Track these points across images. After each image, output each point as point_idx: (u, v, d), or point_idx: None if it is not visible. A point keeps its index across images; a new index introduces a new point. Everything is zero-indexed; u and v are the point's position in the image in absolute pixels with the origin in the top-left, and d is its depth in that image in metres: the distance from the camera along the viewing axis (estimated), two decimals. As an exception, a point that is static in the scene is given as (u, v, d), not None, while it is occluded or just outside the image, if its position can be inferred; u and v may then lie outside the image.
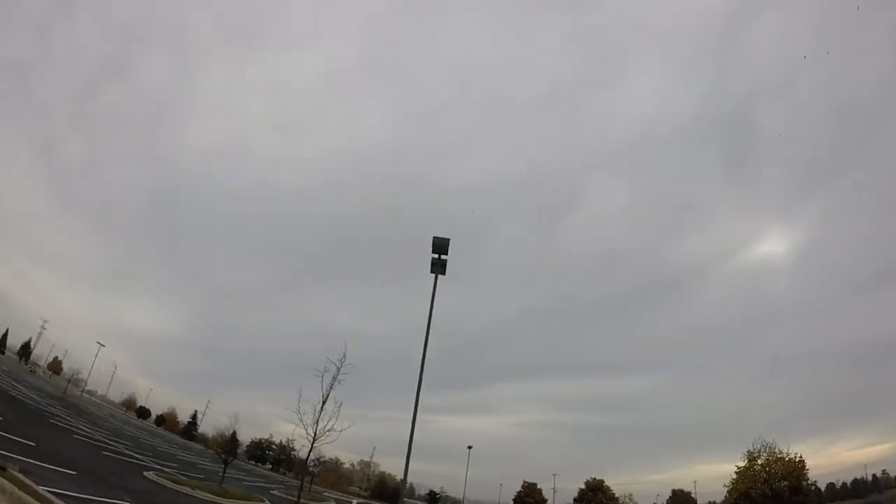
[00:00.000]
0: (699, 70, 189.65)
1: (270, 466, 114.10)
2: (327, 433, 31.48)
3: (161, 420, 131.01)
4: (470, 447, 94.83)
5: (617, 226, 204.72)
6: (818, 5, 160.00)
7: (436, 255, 26.75)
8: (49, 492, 15.32)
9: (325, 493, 77.15)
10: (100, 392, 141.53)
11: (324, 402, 31.43)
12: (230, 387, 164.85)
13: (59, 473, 21.69)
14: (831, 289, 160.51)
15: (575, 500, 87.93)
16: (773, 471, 59.58)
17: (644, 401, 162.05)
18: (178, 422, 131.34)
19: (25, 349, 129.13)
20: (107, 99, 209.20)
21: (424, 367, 26.04)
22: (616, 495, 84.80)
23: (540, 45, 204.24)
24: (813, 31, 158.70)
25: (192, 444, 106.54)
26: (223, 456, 45.04)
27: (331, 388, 31.71)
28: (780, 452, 60.86)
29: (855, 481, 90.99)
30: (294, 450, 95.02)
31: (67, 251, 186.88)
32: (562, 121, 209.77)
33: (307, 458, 35.05)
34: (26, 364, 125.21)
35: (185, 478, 37.66)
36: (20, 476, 14.00)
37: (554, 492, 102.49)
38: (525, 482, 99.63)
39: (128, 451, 43.96)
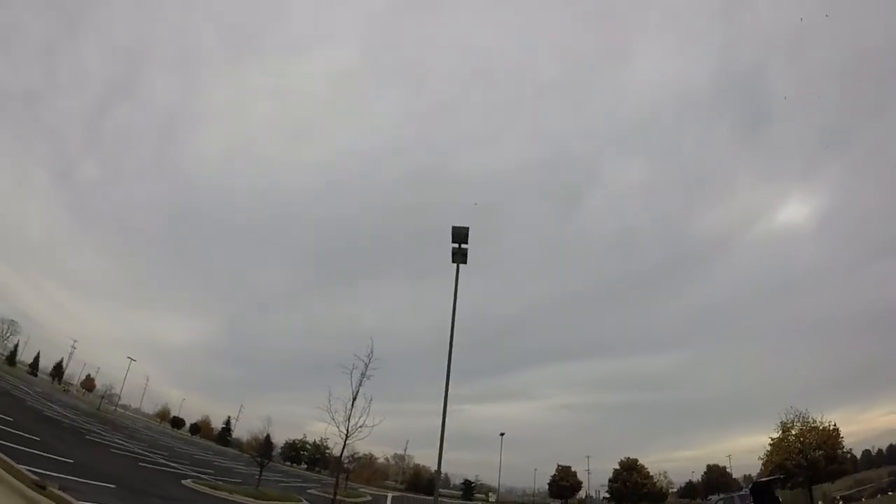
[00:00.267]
0: (707, 38, 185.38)
1: (306, 466, 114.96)
2: (359, 429, 31.65)
3: (195, 428, 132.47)
4: (502, 434, 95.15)
5: (636, 203, 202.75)
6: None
7: (456, 245, 26.85)
8: (89, 506, 15.60)
9: (361, 489, 77.66)
10: (133, 406, 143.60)
11: (354, 399, 31.60)
12: (261, 391, 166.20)
13: (98, 488, 22.09)
14: (857, 251, 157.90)
15: (610, 480, 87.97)
16: (807, 441, 58.73)
17: (674, 377, 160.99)
18: (212, 429, 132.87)
19: (58, 369, 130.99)
20: (117, 118, 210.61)
21: (452, 357, 26.19)
22: (650, 474, 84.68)
23: (546, 27, 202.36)
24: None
25: (227, 449, 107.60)
26: (258, 459, 45.51)
27: (360, 384, 31.87)
28: (814, 421, 60.05)
29: (890, 447, 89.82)
30: (328, 448, 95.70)
31: (91, 270, 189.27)
32: (573, 102, 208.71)
33: (341, 456, 35.31)
34: (59, 384, 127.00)
35: (222, 483, 38.14)
36: (60, 493, 14.29)
37: (588, 473, 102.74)
38: (559, 465, 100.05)
39: (164, 461, 44.58)
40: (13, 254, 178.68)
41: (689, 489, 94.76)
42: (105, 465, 30.96)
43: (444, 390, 25.65)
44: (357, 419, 31.39)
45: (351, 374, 31.81)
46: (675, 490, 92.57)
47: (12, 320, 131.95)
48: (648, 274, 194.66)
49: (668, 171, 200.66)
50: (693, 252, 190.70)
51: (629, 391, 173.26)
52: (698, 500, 79.73)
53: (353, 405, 31.48)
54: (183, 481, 34.68)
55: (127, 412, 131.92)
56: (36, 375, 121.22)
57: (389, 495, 66.72)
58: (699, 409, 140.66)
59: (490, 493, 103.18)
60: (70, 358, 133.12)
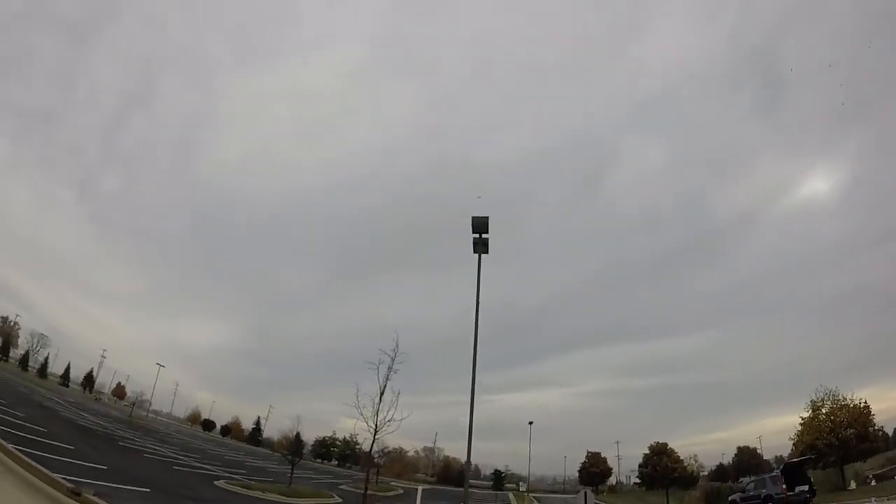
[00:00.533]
0: (720, 8, 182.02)
1: (336, 462, 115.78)
2: (388, 424, 31.81)
3: (226, 430, 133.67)
4: (531, 423, 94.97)
5: (657, 182, 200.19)
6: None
7: (476, 235, 26.90)
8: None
9: (393, 483, 78.12)
10: (164, 411, 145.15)
11: (381, 394, 31.71)
12: (290, 390, 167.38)
13: (133, 492, 22.47)
14: (883, 224, 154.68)
15: (640, 465, 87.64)
16: (837, 419, 57.87)
17: (701, 358, 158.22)
18: (242, 430, 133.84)
19: (88, 379, 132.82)
20: (134, 130, 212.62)
21: (478, 348, 26.29)
22: (681, 458, 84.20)
23: (556, 6, 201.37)
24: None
25: (259, 449, 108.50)
26: (289, 457, 45.93)
27: (387, 379, 31.98)
28: (844, 399, 59.20)
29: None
30: (358, 444, 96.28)
31: (117, 281, 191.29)
32: (588, 83, 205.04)
33: (370, 451, 35.64)
34: (90, 393, 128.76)
35: (254, 482, 38.56)
36: (95, 499, 14.53)
37: (618, 459, 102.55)
38: (589, 452, 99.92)
39: (197, 464, 45.12)
40: (41, 269, 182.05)
41: (720, 472, 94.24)
42: (138, 469, 31.41)
43: (470, 381, 25.78)
44: (385, 414, 31.57)
45: (377, 369, 31.98)
46: (705, 473, 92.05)
47: (42, 334, 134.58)
48: (672, 254, 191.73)
49: (688, 149, 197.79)
50: (716, 230, 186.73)
51: (656, 374, 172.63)
52: (729, 483, 79.14)
53: (380, 400, 31.66)
54: (216, 482, 35.10)
55: (158, 417, 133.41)
56: (67, 386, 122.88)
57: (420, 488, 66.96)
58: (728, 390, 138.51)
59: (520, 483, 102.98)
60: (100, 367, 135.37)
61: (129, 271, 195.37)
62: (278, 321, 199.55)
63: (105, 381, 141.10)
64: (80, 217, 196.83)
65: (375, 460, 61.47)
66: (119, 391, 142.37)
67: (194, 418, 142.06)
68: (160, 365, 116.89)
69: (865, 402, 58.51)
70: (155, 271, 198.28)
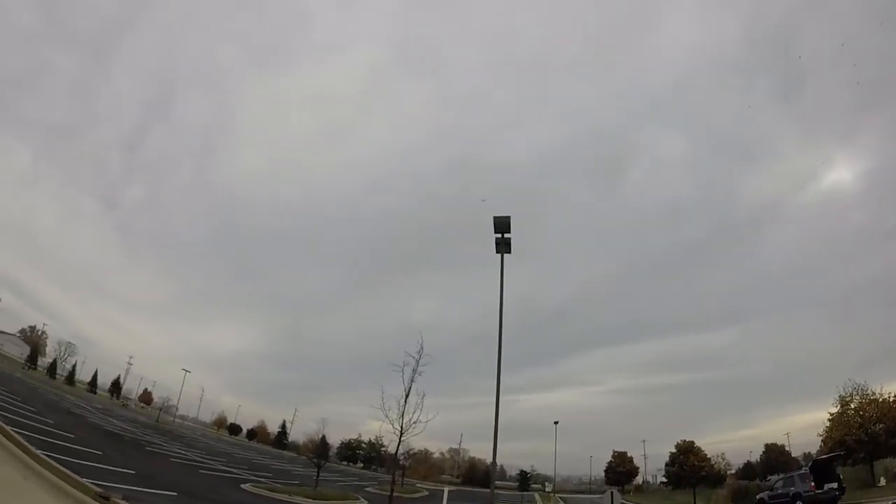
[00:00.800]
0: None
1: (362, 465, 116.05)
2: (414, 425, 31.77)
3: (252, 434, 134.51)
4: (556, 422, 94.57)
5: (679, 173, 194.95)
6: None
7: (499, 235, 26.81)
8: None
9: (418, 485, 78.17)
10: (191, 415, 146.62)
11: (407, 396, 31.66)
12: (315, 393, 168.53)
13: (160, 496, 22.62)
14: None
15: (666, 464, 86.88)
16: (866, 414, 56.83)
17: (727, 354, 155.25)
18: (268, 433, 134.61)
19: (115, 386, 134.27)
20: (155, 141, 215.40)
21: (502, 347, 26.20)
22: (708, 456, 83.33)
23: (570, 2, 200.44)
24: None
25: (284, 452, 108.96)
26: (315, 460, 46.05)
27: (412, 380, 31.90)
28: (873, 394, 58.09)
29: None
30: (383, 446, 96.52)
31: (143, 289, 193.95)
32: (604, 75, 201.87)
33: (396, 453, 35.68)
34: (118, 399, 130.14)
35: (280, 485, 38.69)
36: (124, 503, 14.65)
37: (645, 458, 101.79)
38: (615, 452, 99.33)
39: (223, 467, 45.38)
40: (68, 279, 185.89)
41: (748, 470, 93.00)
42: (166, 473, 31.63)
43: (495, 381, 25.71)
44: (411, 415, 31.54)
45: (402, 371, 31.95)
46: (732, 472, 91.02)
47: (69, 342, 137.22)
48: (694, 248, 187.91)
49: (708, 139, 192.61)
50: (740, 221, 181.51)
51: (682, 371, 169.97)
52: (757, 482, 78.16)
53: (406, 402, 31.63)
54: (242, 486, 35.28)
55: (185, 422, 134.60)
56: (95, 393, 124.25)
57: (446, 489, 66.92)
58: (754, 385, 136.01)
59: (546, 483, 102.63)
60: (127, 374, 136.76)
61: (154, 279, 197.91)
62: (302, 325, 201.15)
63: (132, 388, 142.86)
64: (105, 227, 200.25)
65: (401, 462, 61.45)
66: (146, 397, 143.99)
67: (220, 422, 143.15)
68: (186, 370, 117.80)
69: (895, 396, 57.50)
70: (179, 278, 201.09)
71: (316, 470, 43.39)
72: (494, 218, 26.49)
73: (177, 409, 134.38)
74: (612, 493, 31.82)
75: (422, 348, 32.13)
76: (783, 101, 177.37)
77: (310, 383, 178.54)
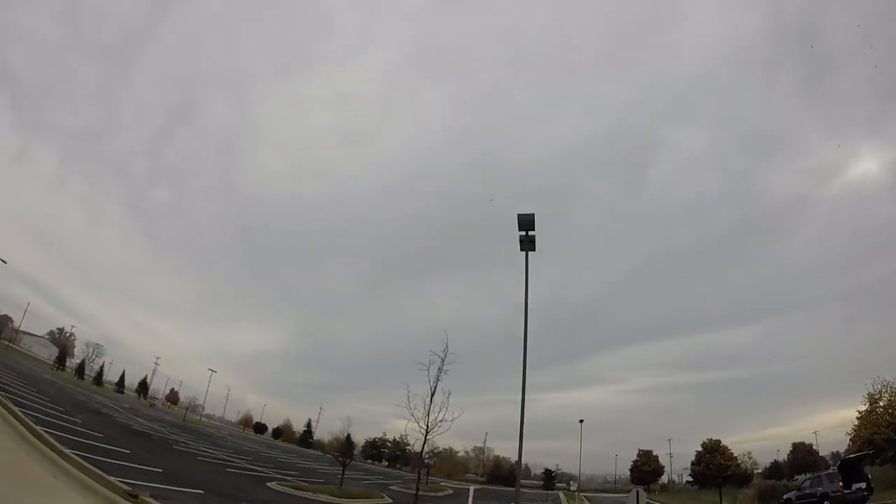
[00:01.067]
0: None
1: (387, 463, 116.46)
2: (439, 424, 31.69)
3: (277, 433, 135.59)
4: (581, 421, 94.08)
5: (702, 170, 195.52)
6: None
7: (523, 233, 26.68)
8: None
9: (443, 483, 78.19)
10: (217, 415, 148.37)
11: (432, 395, 31.53)
12: (340, 392, 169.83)
13: (187, 494, 22.78)
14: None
15: (692, 463, 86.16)
16: (896, 412, 56.09)
17: (753, 351, 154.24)
18: (293, 432, 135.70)
19: (143, 386, 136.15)
20: (179, 145, 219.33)
21: (528, 346, 26.07)
22: (734, 455, 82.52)
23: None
24: None
25: (310, 451, 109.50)
26: (340, 458, 46.17)
27: (437, 379, 31.81)
28: (903, 391, 57.18)
29: None
30: (408, 444, 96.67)
31: (168, 290, 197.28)
32: (625, 71, 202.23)
33: (422, 451, 35.59)
34: (145, 399, 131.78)
35: (305, 484, 38.85)
36: (151, 501, 14.76)
37: (670, 457, 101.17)
38: (640, 450, 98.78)
39: (249, 466, 45.66)
40: (96, 282, 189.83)
41: (775, 469, 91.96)
42: (192, 472, 31.87)
43: (520, 380, 25.62)
44: (436, 414, 31.48)
45: (428, 369, 31.88)
46: (759, 471, 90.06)
47: (97, 343, 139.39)
48: (720, 244, 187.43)
49: (731, 133, 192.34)
50: (764, 217, 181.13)
51: (707, 369, 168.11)
52: (784, 481, 77.21)
53: (431, 401, 31.57)
54: (268, 484, 35.45)
55: (211, 421, 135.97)
56: (123, 393, 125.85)
57: (472, 488, 66.85)
58: (782, 383, 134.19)
59: (571, 482, 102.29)
60: (154, 374, 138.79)
61: (180, 281, 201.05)
62: (328, 325, 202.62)
63: (159, 387, 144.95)
64: (130, 230, 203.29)
65: (426, 461, 61.51)
66: (173, 396, 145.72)
67: (246, 422, 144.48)
68: (212, 370, 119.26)
69: (925, 394, 56.48)
70: (204, 280, 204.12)
71: (341, 468, 43.50)
72: (519, 216, 26.36)
73: (203, 408, 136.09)
74: (637, 492, 31.56)
75: (447, 347, 32.06)
76: (806, 93, 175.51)
77: (335, 382, 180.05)
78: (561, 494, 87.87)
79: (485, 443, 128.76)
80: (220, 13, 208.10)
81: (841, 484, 39.22)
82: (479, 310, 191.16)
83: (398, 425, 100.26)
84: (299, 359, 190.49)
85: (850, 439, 61.86)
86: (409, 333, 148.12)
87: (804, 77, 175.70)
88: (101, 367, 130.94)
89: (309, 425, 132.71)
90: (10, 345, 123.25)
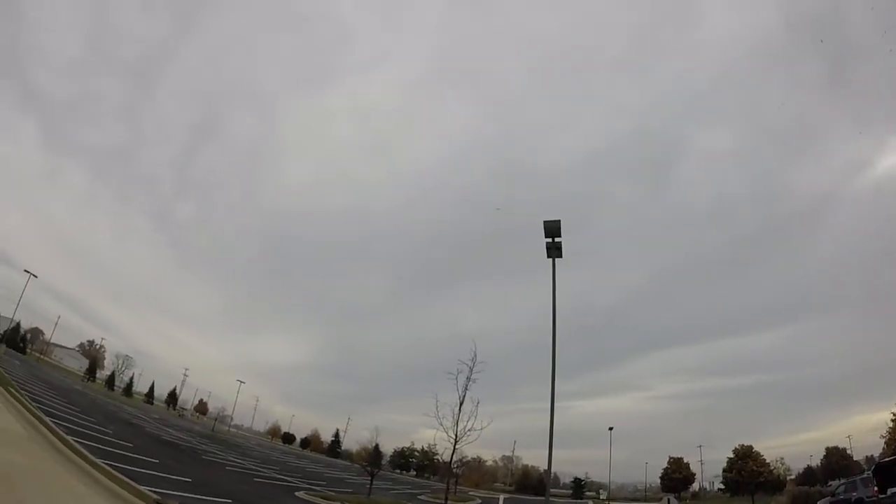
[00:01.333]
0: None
1: (415, 473, 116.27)
2: (468, 433, 31.52)
3: (305, 443, 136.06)
4: (611, 428, 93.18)
5: (727, 169, 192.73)
6: None
7: (549, 239, 26.44)
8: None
9: (471, 493, 77.84)
10: (245, 425, 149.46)
11: (461, 404, 31.46)
12: (368, 402, 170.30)
13: (216, 503, 22.81)
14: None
15: (724, 470, 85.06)
16: (930, 414, 55.15)
17: (784, 354, 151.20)
18: (321, 442, 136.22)
19: (172, 397, 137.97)
20: (204, 160, 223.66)
21: (556, 353, 25.79)
22: (767, 461, 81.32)
23: (606, 2, 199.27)
24: None
25: (337, 461, 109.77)
26: (368, 468, 46.07)
27: (466, 388, 31.71)
28: (937, 392, 56.24)
29: None
30: (436, 454, 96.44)
31: (197, 303, 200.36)
32: (645, 72, 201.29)
33: (451, 461, 35.43)
34: (174, 410, 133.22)
35: (334, 493, 38.74)
36: (181, 510, 14.79)
37: (701, 464, 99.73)
38: (670, 458, 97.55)
39: (277, 475, 45.70)
40: (125, 295, 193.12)
41: (808, 475, 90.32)
42: (221, 481, 31.92)
43: (548, 388, 25.34)
44: (465, 423, 31.29)
45: (456, 378, 31.73)
46: (792, 477, 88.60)
47: (127, 355, 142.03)
48: (747, 244, 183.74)
49: (755, 131, 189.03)
50: (792, 215, 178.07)
51: (738, 374, 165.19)
52: (818, 487, 75.78)
53: (460, 410, 31.41)
54: (296, 493, 35.39)
55: (240, 431, 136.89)
56: (152, 404, 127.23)
57: (501, 497, 66.47)
58: (813, 386, 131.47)
59: (601, 491, 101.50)
60: (183, 385, 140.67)
61: (208, 293, 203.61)
62: (354, 335, 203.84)
63: (188, 398, 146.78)
64: (159, 244, 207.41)
65: (454, 470, 61.31)
66: (201, 407, 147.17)
67: (274, 432, 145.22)
68: (240, 381, 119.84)
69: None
70: (232, 292, 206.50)
71: (369, 478, 43.40)
72: (545, 222, 26.13)
73: (232, 418, 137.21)
74: (668, 499, 31.23)
75: (475, 355, 31.88)
76: (829, 87, 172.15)
77: (362, 393, 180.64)
78: (590, 503, 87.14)
79: (513, 451, 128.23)
80: (242, 29, 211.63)
81: (876, 489, 38.38)
82: (506, 318, 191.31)
83: (426, 435, 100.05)
84: (327, 369, 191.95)
85: (885, 442, 60.97)
86: (437, 342, 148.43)
87: (826, 70, 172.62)
88: (131, 379, 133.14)
89: (337, 435, 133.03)
90: (42, 357, 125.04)
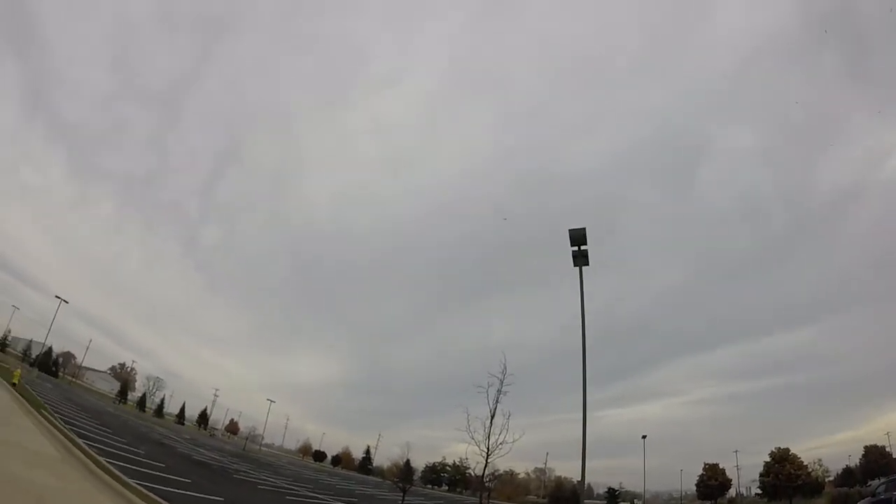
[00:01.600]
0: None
1: (447, 488, 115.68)
2: (500, 447, 31.15)
3: (336, 460, 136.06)
4: (644, 436, 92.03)
5: (752, 166, 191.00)
6: None
7: (575, 248, 26.13)
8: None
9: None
10: (276, 443, 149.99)
11: (492, 417, 31.10)
12: (398, 418, 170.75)
13: (250, 522, 22.70)
14: None
15: (760, 475, 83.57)
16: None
17: (818, 353, 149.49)
18: (352, 459, 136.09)
19: (203, 417, 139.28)
20: (229, 184, 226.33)
21: (587, 362, 25.42)
22: (804, 463, 79.76)
23: (621, 6, 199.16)
24: None
25: (369, 478, 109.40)
26: (400, 484, 45.81)
27: (496, 401, 31.36)
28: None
29: None
30: (468, 468, 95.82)
31: (226, 324, 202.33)
32: (666, 73, 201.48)
33: (483, 475, 34.96)
34: (205, 430, 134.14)
35: (366, 510, 38.64)
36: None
37: (738, 469, 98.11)
38: (706, 464, 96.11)
39: (309, 493, 45.54)
40: (155, 319, 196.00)
41: (847, 476, 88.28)
42: (253, 500, 31.86)
43: (580, 397, 24.97)
44: (497, 436, 30.91)
45: (486, 392, 31.37)
46: (831, 479, 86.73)
47: (158, 377, 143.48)
48: (775, 242, 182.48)
49: (777, 125, 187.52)
50: (820, 207, 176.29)
51: (772, 375, 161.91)
52: (858, 488, 74.07)
53: (491, 423, 31.05)
54: (329, 511, 35.29)
55: (271, 450, 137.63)
56: (183, 424, 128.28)
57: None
58: (849, 384, 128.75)
59: (635, 500, 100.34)
60: (213, 405, 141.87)
61: (236, 314, 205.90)
62: (382, 352, 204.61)
63: (218, 418, 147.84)
64: (187, 268, 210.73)
65: (486, 484, 60.81)
66: (232, 427, 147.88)
67: (305, 450, 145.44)
68: (271, 400, 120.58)
69: None
70: (260, 312, 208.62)
71: (401, 494, 43.13)
72: (570, 231, 25.80)
73: (262, 437, 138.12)
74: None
75: (505, 367, 31.51)
76: (849, 77, 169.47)
77: (392, 409, 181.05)
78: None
79: (545, 463, 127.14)
80: (261, 53, 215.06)
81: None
82: (534, 328, 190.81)
83: (458, 449, 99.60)
84: (357, 386, 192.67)
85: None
86: (466, 356, 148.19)
87: (845, 60, 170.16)
88: (162, 400, 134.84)
89: (368, 452, 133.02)
90: (74, 380, 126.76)
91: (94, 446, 25.51)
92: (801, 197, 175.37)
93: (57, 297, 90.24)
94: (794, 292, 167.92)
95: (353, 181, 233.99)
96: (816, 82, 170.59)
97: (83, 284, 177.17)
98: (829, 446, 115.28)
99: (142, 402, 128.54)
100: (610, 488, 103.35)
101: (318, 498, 43.62)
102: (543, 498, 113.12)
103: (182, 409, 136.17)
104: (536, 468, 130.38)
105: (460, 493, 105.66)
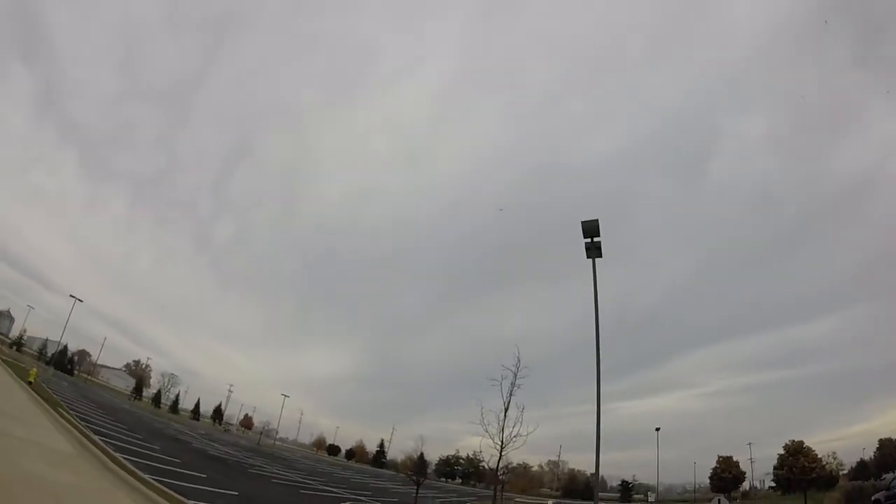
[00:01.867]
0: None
1: (460, 481, 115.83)
2: (514, 439, 31.21)
3: (350, 454, 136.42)
4: (658, 429, 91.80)
5: (765, 156, 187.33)
6: None
7: (588, 240, 26.10)
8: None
9: (517, 499, 77.19)
10: (290, 438, 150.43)
11: (506, 410, 31.10)
12: (412, 412, 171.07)
13: (264, 517, 22.90)
14: None
15: (774, 468, 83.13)
16: None
17: (832, 344, 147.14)
18: (366, 453, 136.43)
19: (217, 412, 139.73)
20: (240, 181, 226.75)
21: (600, 355, 25.45)
22: (819, 456, 79.26)
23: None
24: None
25: (383, 471, 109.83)
26: (413, 477, 45.95)
27: (510, 394, 31.37)
28: None
29: None
30: (482, 461, 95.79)
31: (239, 320, 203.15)
32: (675, 63, 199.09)
33: (497, 468, 35.04)
34: (220, 425, 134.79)
35: (379, 503, 38.78)
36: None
37: (752, 462, 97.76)
38: (720, 456, 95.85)
39: (323, 487, 45.78)
40: (169, 316, 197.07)
41: (861, 469, 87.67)
42: (267, 494, 32.07)
43: (594, 389, 25.01)
44: (511, 429, 30.97)
45: (500, 384, 31.41)
46: (845, 472, 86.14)
47: (172, 374, 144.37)
48: (790, 231, 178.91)
49: (791, 114, 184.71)
50: (836, 197, 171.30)
51: (786, 367, 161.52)
52: (872, 482, 73.55)
53: (505, 416, 31.10)
54: (343, 504, 35.49)
55: (285, 445, 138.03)
56: (198, 419, 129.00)
57: (550, 502, 65.73)
58: (863, 376, 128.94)
59: (649, 493, 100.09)
60: (227, 401, 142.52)
61: (250, 310, 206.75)
62: (397, 345, 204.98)
63: (233, 413, 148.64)
64: (199, 265, 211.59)
65: (500, 476, 60.90)
66: (246, 422, 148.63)
67: (319, 444, 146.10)
68: (285, 395, 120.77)
69: None
70: (273, 308, 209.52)
71: (415, 487, 43.27)
72: (583, 223, 25.69)
73: (277, 432, 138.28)
74: (718, 500, 30.61)
75: (519, 361, 31.52)
76: (862, 63, 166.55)
77: (406, 402, 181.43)
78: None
79: (559, 456, 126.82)
80: (270, 51, 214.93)
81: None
82: (547, 321, 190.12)
83: (472, 442, 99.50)
84: (370, 380, 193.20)
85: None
86: (479, 349, 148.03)
87: (858, 46, 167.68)
88: (177, 396, 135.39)
89: (382, 445, 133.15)
90: (89, 378, 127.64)
91: (109, 443, 25.79)
92: (815, 187, 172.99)
93: (71, 296, 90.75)
94: (807, 283, 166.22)
95: (364, 177, 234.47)
96: (830, 70, 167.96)
97: (97, 283, 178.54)
98: (844, 439, 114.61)
99: (157, 399, 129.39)
100: (623, 481, 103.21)
101: (331, 491, 43.85)
102: (557, 490, 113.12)
103: (197, 405, 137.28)
104: (550, 461, 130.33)
105: (474, 485, 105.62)
